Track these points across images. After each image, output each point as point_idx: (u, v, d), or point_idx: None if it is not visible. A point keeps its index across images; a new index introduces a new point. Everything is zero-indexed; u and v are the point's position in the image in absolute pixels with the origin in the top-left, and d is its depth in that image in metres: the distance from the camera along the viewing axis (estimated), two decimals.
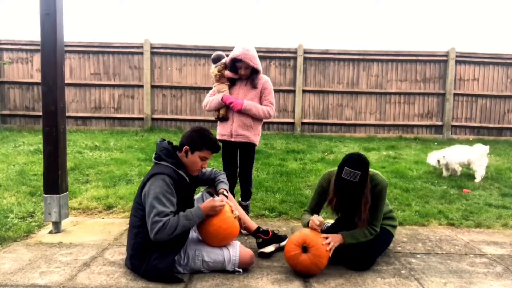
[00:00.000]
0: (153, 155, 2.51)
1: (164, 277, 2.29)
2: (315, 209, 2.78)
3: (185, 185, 2.44)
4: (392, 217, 2.81)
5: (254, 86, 3.24)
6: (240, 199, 3.44)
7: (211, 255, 2.41)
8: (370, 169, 2.58)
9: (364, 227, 2.56)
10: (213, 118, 9.07)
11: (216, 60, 3.28)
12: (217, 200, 2.43)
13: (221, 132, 3.32)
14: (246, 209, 3.41)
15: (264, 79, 3.29)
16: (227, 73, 3.25)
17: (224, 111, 3.27)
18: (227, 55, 3.28)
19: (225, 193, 2.67)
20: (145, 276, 2.32)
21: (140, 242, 2.33)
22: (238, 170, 3.44)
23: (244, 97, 3.23)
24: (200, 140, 2.43)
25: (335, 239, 2.49)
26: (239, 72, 3.21)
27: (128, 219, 3.47)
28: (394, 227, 2.80)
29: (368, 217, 2.54)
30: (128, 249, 2.43)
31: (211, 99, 3.31)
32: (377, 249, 2.67)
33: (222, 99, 3.22)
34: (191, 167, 2.48)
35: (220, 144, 2.58)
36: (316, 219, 2.50)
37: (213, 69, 3.29)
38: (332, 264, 2.50)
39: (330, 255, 2.43)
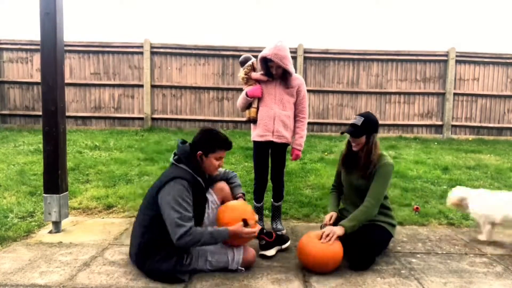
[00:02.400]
0: (173, 156, 2.49)
1: (166, 278, 2.30)
2: (337, 183, 3.04)
3: (200, 190, 2.46)
4: (390, 216, 2.81)
5: (287, 87, 3.14)
6: (272, 199, 3.38)
7: (215, 255, 2.42)
8: (382, 151, 2.77)
9: (364, 203, 2.65)
10: (213, 118, 9.06)
11: (244, 62, 3.23)
12: (248, 231, 2.39)
13: (260, 133, 3.16)
14: (278, 209, 3.36)
15: (299, 80, 3.19)
16: (254, 75, 3.18)
17: (254, 112, 3.17)
18: (256, 56, 3.20)
19: (243, 197, 2.76)
20: (148, 275, 2.34)
21: (146, 242, 2.34)
22: (269, 172, 3.34)
23: (280, 97, 3.13)
24: (211, 142, 2.45)
25: (333, 230, 2.52)
26: (271, 71, 3.11)
27: (129, 218, 3.49)
28: (393, 226, 2.80)
29: (368, 163, 2.69)
30: (133, 246, 2.43)
31: (239, 98, 3.24)
32: (376, 248, 2.67)
33: (246, 94, 3.14)
34: (209, 169, 2.51)
35: (230, 142, 2.54)
36: (328, 217, 2.81)
37: (241, 72, 3.22)
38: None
39: (331, 243, 2.47)
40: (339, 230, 2.52)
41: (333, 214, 2.82)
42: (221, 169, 2.82)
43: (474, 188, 3.34)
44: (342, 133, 2.77)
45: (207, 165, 2.48)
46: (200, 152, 2.44)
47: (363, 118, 2.68)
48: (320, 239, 2.49)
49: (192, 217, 2.28)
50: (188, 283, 2.29)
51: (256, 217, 2.59)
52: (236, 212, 2.50)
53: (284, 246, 2.81)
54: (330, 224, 2.72)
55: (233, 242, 2.45)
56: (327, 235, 2.49)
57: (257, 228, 2.49)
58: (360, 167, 2.73)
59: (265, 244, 2.73)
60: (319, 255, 2.43)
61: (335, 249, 2.46)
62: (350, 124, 2.71)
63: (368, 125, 2.68)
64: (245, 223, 2.43)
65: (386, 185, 2.69)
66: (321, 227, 2.77)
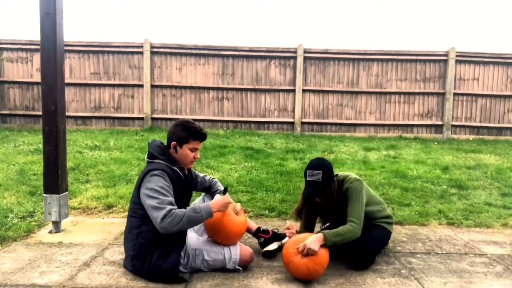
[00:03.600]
0: (146, 155, 2.49)
1: (168, 277, 2.27)
2: (308, 227, 2.80)
3: (181, 180, 2.44)
4: (385, 216, 2.79)
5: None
6: None
7: (211, 254, 2.41)
8: (341, 172, 2.71)
9: (347, 223, 2.50)
10: (213, 118, 9.04)
11: None
12: (227, 198, 2.41)
13: None
14: None
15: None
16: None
17: None
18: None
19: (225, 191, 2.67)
20: (148, 277, 2.30)
21: (142, 242, 2.31)
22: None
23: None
24: (185, 132, 2.43)
25: (312, 240, 2.33)
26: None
27: None
28: (390, 223, 2.80)
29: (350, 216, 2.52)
30: (128, 250, 2.39)
31: None
32: (375, 247, 2.67)
33: None
34: (184, 161, 2.47)
35: (204, 133, 2.50)
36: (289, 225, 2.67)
37: None
38: (332, 264, 2.50)
39: (304, 254, 2.30)
40: (318, 241, 2.33)
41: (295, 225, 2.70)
42: (207, 177, 2.85)
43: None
44: (306, 197, 2.65)
45: (182, 156, 2.45)
46: (174, 142, 2.43)
47: (321, 172, 2.50)
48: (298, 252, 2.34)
49: (173, 202, 2.25)
50: (188, 283, 2.29)
51: (239, 207, 2.56)
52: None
53: (283, 241, 2.82)
54: (296, 232, 2.65)
55: (246, 253, 2.46)
56: (304, 250, 2.30)
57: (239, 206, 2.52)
58: (330, 206, 2.64)
59: (263, 242, 2.76)
60: (304, 267, 2.32)
61: (319, 259, 2.34)
62: (310, 182, 2.51)
63: (329, 176, 2.55)
64: (224, 192, 2.57)
65: (362, 201, 2.55)
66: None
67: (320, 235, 2.37)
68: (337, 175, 2.71)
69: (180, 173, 2.46)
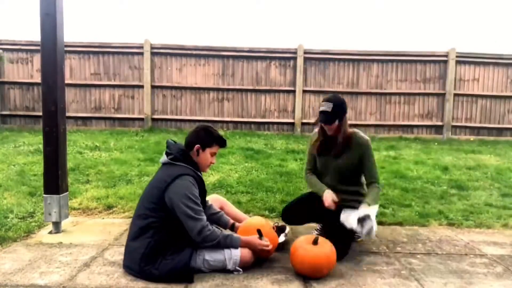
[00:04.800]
0: (167, 155, 2.50)
1: (179, 273, 2.29)
2: (312, 166, 3.06)
3: (202, 185, 2.53)
4: (363, 194, 2.89)
5: None
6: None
7: (212, 254, 2.41)
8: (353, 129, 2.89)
9: (371, 187, 2.80)
10: (213, 118, 9.03)
11: None
12: (264, 243, 2.43)
13: None
14: None
15: None
16: None
17: None
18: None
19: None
20: (158, 274, 2.28)
21: (157, 242, 2.32)
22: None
23: None
24: (209, 137, 2.54)
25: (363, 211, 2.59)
26: None
27: (129, 219, 3.48)
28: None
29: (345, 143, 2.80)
30: (138, 249, 2.34)
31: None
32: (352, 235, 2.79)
33: None
34: (203, 165, 2.58)
35: (225, 140, 2.67)
36: (330, 196, 2.75)
37: None
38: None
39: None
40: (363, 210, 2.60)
41: (332, 193, 2.79)
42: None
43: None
44: (314, 123, 2.89)
45: (202, 160, 2.55)
46: (198, 146, 2.51)
47: (331, 104, 2.73)
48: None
49: (203, 211, 2.39)
50: (188, 283, 2.29)
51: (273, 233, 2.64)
52: (252, 224, 2.62)
53: (286, 231, 2.94)
54: (335, 204, 2.74)
55: (246, 254, 2.44)
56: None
57: (270, 245, 2.49)
58: (335, 148, 2.83)
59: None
60: (313, 260, 2.37)
61: (327, 252, 2.40)
62: (321, 112, 2.76)
63: (339, 109, 2.75)
64: (260, 234, 2.46)
65: (373, 158, 2.85)
66: (315, 190, 2.89)
67: (365, 204, 2.64)
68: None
69: (202, 177, 2.53)
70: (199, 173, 2.51)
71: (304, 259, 2.38)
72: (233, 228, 2.75)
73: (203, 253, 2.40)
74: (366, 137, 2.87)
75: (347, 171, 2.87)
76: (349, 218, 2.61)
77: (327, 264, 2.39)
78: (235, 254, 2.42)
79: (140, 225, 2.39)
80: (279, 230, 2.92)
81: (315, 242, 2.42)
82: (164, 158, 2.51)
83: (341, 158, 2.83)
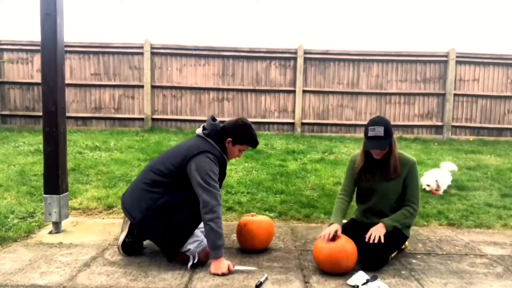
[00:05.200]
0: (202, 129, 2.61)
1: (183, 234, 2.45)
2: (349, 190, 2.85)
3: (225, 167, 2.63)
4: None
5: None
6: None
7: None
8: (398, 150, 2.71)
9: (403, 208, 2.67)
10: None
11: None
12: (227, 271, 2.41)
13: None
14: None
15: None
16: None
17: None
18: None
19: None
20: (156, 233, 2.45)
21: (166, 201, 2.44)
22: None
23: None
24: (244, 135, 2.62)
25: (378, 231, 2.56)
26: None
27: None
28: (408, 227, 2.79)
29: (395, 170, 2.64)
30: (147, 201, 2.45)
31: None
32: (392, 249, 2.67)
33: None
34: (229, 156, 2.67)
35: (258, 142, 2.74)
36: (328, 231, 2.55)
37: None
38: None
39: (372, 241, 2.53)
40: (382, 229, 2.58)
41: (338, 228, 2.57)
42: None
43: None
44: (367, 151, 2.66)
45: (229, 152, 2.65)
46: (230, 139, 2.59)
47: (382, 127, 2.55)
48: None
49: (219, 188, 2.48)
50: (188, 283, 2.29)
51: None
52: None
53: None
54: (330, 240, 2.50)
55: (205, 256, 2.53)
56: (372, 236, 2.54)
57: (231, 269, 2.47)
58: (385, 171, 2.66)
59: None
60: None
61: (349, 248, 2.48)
62: (373, 137, 2.55)
63: (389, 132, 2.58)
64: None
65: (418, 180, 2.72)
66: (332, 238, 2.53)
67: (381, 224, 2.60)
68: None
69: (226, 162, 2.63)
70: (225, 156, 2.61)
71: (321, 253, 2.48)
72: None
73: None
74: (414, 159, 2.73)
75: (394, 195, 2.71)
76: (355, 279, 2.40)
77: (346, 258, 2.44)
78: (203, 243, 2.51)
79: (153, 178, 2.51)
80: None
81: (332, 238, 2.50)
82: (199, 130, 2.62)
83: (388, 182, 2.67)
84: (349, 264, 2.46)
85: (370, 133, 2.57)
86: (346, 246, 2.47)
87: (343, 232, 2.61)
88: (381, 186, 2.70)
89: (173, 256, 2.52)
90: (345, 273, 2.43)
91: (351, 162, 2.84)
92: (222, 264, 2.41)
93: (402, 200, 2.72)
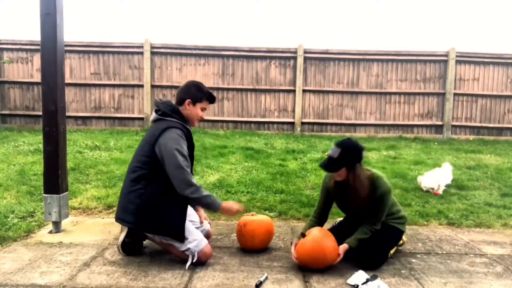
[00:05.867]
0: (155, 112, 2.61)
1: (177, 228, 2.45)
2: (320, 214, 2.80)
3: (190, 138, 2.62)
4: (399, 217, 2.76)
5: None
6: None
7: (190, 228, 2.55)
8: (376, 171, 2.61)
9: (364, 226, 2.61)
10: (213, 118, 9.02)
11: None
12: (239, 208, 2.62)
13: None
14: None
15: None
16: None
17: None
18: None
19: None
20: (155, 224, 2.45)
21: (152, 193, 2.45)
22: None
23: None
24: (200, 92, 2.65)
25: (343, 250, 2.52)
26: None
27: None
28: (403, 223, 2.77)
29: (366, 213, 2.60)
30: (133, 200, 2.46)
31: None
32: (388, 246, 2.69)
33: None
34: (192, 119, 2.66)
35: (214, 96, 2.75)
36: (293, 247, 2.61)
37: None
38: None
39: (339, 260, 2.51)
40: (346, 249, 2.53)
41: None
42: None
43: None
44: (320, 166, 2.58)
45: (193, 114, 2.64)
46: (189, 100, 2.61)
47: (339, 150, 2.46)
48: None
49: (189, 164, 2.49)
50: (188, 283, 2.29)
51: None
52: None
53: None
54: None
55: (208, 250, 2.57)
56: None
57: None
58: (353, 197, 2.58)
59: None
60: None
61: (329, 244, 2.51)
62: (328, 156, 2.51)
63: (347, 156, 2.47)
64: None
65: (385, 207, 2.59)
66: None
67: (345, 245, 2.54)
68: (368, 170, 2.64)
69: (190, 131, 2.63)
70: (187, 126, 2.61)
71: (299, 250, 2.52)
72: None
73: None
74: (388, 185, 2.57)
75: (367, 213, 2.64)
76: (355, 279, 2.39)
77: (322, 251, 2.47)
78: (203, 242, 2.52)
79: (132, 177, 2.50)
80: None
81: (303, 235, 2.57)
82: (153, 115, 2.62)
83: (361, 207, 2.59)
84: (326, 253, 2.47)
85: (328, 151, 2.54)
86: (314, 234, 2.53)
87: (334, 229, 2.78)
88: (355, 204, 2.62)
89: (183, 238, 2.49)
90: (329, 264, 2.48)
91: (324, 182, 2.79)
92: (229, 204, 2.55)
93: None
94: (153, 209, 2.45)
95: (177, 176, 2.40)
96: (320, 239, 2.49)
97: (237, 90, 8.98)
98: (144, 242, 2.80)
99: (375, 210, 2.58)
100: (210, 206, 2.52)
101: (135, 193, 2.46)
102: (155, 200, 2.45)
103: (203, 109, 2.67)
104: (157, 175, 2.45)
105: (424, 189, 4.53)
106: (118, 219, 2.56)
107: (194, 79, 3.17)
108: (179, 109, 2.61)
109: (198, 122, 2.72)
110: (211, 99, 2.71)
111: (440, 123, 9.06)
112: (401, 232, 2.77)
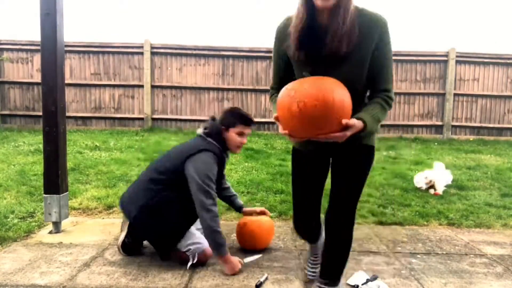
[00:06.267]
0: (203, 129, 2.63)
1: (174, 235, 2.47)
2: (283, 84, 1.65)
3: (223, 165, 2.65)
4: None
5: None
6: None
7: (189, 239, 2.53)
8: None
9: (376, 99, 1.67)
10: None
11: None
12: (238, 268, 2.44)
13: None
14: None
15: None
16: None
17: None
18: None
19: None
20: (150, 231, 2.47)
21: (162, 199, 2.45)
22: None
23: None
24: (232, 116, 2.60)
25: (355, 129, 1.53)
26: None
27: None
28: (373, 132, 1.86)
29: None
30: (142, 197, 2.48)
31: None
32: (366, 170, 1.96)
33: None
34: (231, 145, 2.63)
35: (250, 118, 2.63)
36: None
37: None
38: None
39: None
40: (359, 129, 1.55)
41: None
42: (230, 188, 3.02)
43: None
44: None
45: (230, 141, 2.60)
46: (223, 127, 2.60)
47: None
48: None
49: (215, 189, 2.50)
50: (188, 283, 2.29)
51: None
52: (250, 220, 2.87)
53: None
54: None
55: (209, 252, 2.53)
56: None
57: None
58: (333, 40, 1.56)
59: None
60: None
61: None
62: None
63: None
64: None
65: (391, 54, 1.66)
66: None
67: (361, 123, 1.54)
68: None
69: (226, 158, 2.65)
70: (225, 153, 2.62)
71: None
72: (241, 210, 3.00)
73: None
74: (379, 13, 1.64)
75: (358, 81, 1.67)
76: (355, 279, 2.35)
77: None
78: (203, 243, 2.50)
79: (153, 177, 2.53)
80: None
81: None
82: (200, 130, 2.65)
83: (345, 61, 1.60)
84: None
85: None
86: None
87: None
88: (334, 70, 1.60)
89: (164, 255, 2.55)
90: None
91: (277, 40, 1.78)
92: (235, 263, 2.44)
93: (365, 92, 1.75)
94: (157, 213, 2.44)
95: (200, 199, 2.39)
96: (321, 83, 1.51)
97: (237, 90, 8.98)
98: (144, 242, 2.80)
99: (387, 61, 1.65)
100: (216, 245, 2.39)
101: (150, 192, 2.48)
102: (164, 206, 2.45)
103: (240, 134, 2.58)
104: (176, 186, 2.46)
105: (424, 186, 4.64)
106: (122, 205, 2.61)
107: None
108: (222, 134, 2.59)
109: (239, 149, 2.66)
110: (247, 122, 2.60)
111: (440, 123, 9.06)
112: (373, 148, 2.00)
